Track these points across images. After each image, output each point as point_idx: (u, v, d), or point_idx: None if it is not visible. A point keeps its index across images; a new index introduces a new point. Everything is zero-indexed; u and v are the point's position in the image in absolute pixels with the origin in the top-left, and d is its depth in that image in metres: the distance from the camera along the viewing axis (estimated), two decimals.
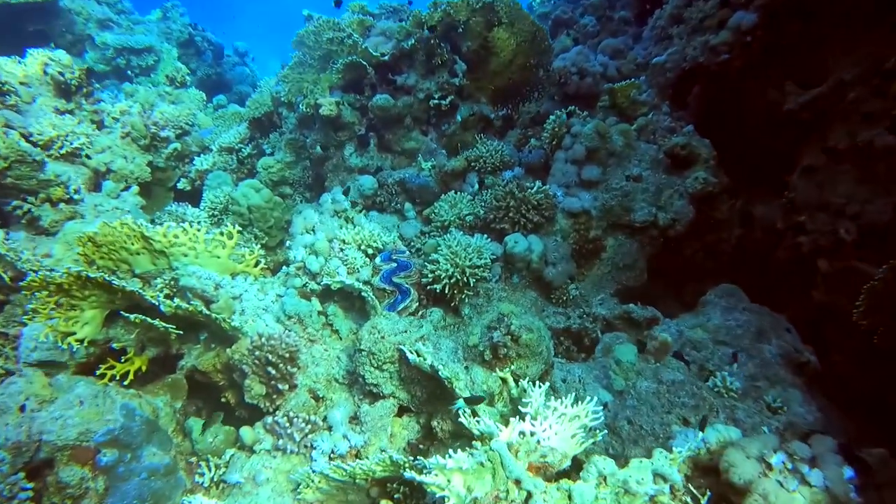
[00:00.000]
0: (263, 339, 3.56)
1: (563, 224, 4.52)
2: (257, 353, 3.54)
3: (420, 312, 3.99)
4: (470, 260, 3.88)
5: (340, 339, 4.12)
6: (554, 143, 4.95)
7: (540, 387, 2.79)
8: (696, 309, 4.39)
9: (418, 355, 3.38)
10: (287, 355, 3.60)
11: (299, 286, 4.14)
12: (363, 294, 3.83)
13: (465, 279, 3.87)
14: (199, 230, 4.05)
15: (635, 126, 4.94)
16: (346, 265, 4.15)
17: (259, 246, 4.96)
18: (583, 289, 4.46)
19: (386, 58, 5.30)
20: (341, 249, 4.22)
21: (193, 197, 6.51)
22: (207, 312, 3.65)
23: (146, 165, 6.36)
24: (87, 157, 5.67)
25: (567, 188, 4.77)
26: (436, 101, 5.26)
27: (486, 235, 4.12)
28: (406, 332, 3.62)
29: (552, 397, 2.65)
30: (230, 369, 3.73)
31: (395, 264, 4.10)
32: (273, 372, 3.52)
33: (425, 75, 5.35)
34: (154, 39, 9.72)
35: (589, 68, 6.68)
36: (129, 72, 9.33)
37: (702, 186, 4.58)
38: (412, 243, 4.71)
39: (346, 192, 5.15)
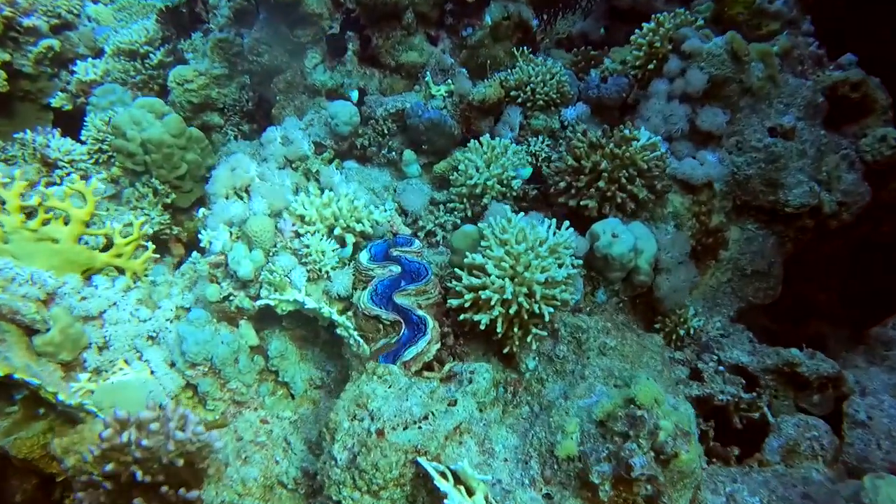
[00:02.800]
0: (130, 435, 1.67)
1: (677, 204, 2.71)
2: (111, 465, 1.66)
3: (448, 367, 2.11)
4: (542, 270, 2.04)
5: (293, 398, 2.27)
6: (649, 67, 3.06)
7: None
8: (871, 350, 2.74)
9: (457, 481, 1.60)
10: (180, 463, 1.73)
11: (216, 300, 2.21)
12: (339, 332, 1.96)
13: (532, 306, 2.03)
14: (8, 186, 2.03)
15: (777, 47, 3.10)
16: (305, 266, 2.24)
17: (157, 211, 2.95)
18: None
19: None
20: (297, 234, 2.29)
21: (79, 121, 4.38)
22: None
23: None
24: None
25: (670, 141, 2.94)
26: None
27: (556, 220, 2.23)
28: (427, 418, 1.80)
29: None
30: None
31: (397, 268, 2.21)
32: None
33: None
34: None
35: None
36: None
37: (892, 153, 2.84)
38: (421, 222, 2.82)
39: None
